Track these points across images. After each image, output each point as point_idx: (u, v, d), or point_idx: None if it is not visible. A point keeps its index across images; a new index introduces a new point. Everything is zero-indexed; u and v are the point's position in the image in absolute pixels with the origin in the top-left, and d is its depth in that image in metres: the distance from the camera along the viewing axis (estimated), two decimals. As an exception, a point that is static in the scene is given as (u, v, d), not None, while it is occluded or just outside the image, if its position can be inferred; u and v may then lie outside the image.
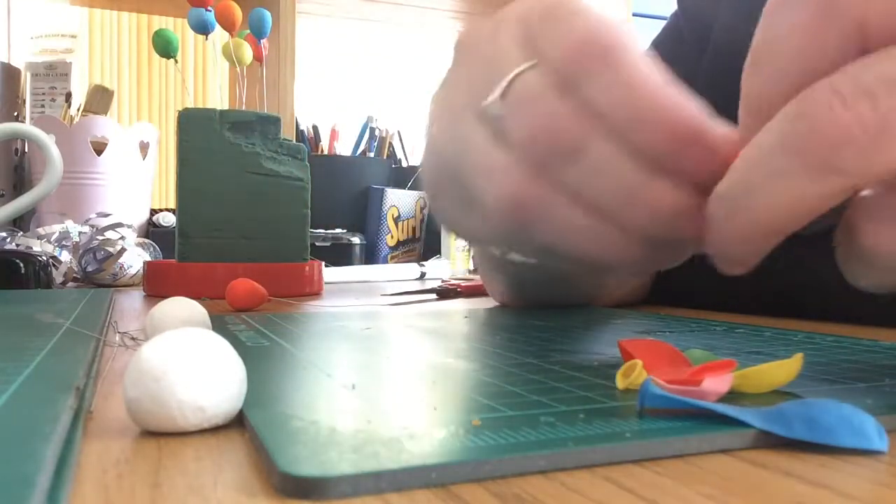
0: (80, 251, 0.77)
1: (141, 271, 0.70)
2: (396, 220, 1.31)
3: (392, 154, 1.46)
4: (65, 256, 0.75)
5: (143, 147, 1.17)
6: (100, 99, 1.17)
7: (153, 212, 1.21)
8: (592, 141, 0.21)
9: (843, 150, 0.17)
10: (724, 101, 0.22)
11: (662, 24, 0.60)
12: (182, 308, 0.30)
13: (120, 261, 0.77)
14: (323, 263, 0.72)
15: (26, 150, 1.18)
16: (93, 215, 0.96)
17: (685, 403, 0.17)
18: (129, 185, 1.14)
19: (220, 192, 0.65)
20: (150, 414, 0.17)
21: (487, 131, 0.23)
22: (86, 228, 0.83)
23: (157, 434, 0.17)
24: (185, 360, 0.17)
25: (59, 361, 0.24)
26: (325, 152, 1.39)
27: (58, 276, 0.73)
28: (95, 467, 0.15)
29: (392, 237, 1.31)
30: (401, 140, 1.50)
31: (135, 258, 0.79)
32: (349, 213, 1.29)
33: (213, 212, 0.64)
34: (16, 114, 1.18)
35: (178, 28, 1.46)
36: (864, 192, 0.19)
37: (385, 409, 0.18)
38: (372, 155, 1.41)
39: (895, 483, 0.14)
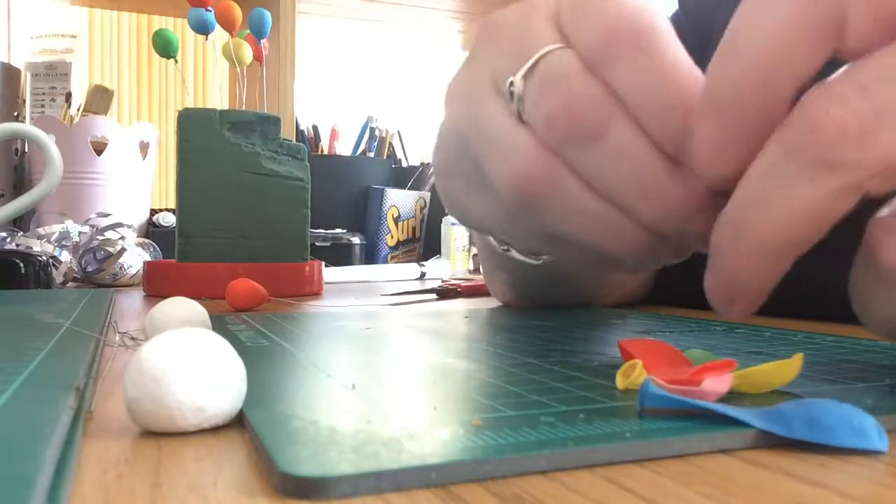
0: (80, 251, 0.77)
1: (141, 271, 0.70)
2: (396, 220, 1.31)
3: (392, 154, 1.46)
4: (65, 256, 0.75)
5: (143, 147, 1.17)
6: (100, 99, 1.17)
7: (153, 212, 1.21)
8: (614, 125, 0.21)
9: (838, 143, 0.17)
10: None
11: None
12: (182, 308, 0.30)
13: (120, 261, 0.77)
14: (323, 263, 0.72)
15: (26, 150, 1.18)
16: (93, 215, 0.96)
17: (685, 403, 0.17)
18: (129, 185, 1.14)
19: (220, 192, 0.65)
20: (150, 414, 0.17)
21: (507, 109, 0.23)
22: (86, 228, 0.83)
23: (157, 434, 0.17)
24: (185, 360, 0.17)
25: (59, 361, 0.24)
26: (325, 152, 1.39)
27: (58, 276, 0.73)
28: (95, 467, 0.15)
29: (392, 237, 1.31)
30: (401, 140, 1.50)
31: (135, 258, 0.79)
32: (349, 213, 1.29)
33: (213, 212, 0.64)
34: (16, 114, 1.18)
35: (178, 28, 1.46)
36: (882, 212, 0.19)
37: (385, 409, 0.18)
38: (372, 155, 1.41)
39: (895, 483, 0.14)
